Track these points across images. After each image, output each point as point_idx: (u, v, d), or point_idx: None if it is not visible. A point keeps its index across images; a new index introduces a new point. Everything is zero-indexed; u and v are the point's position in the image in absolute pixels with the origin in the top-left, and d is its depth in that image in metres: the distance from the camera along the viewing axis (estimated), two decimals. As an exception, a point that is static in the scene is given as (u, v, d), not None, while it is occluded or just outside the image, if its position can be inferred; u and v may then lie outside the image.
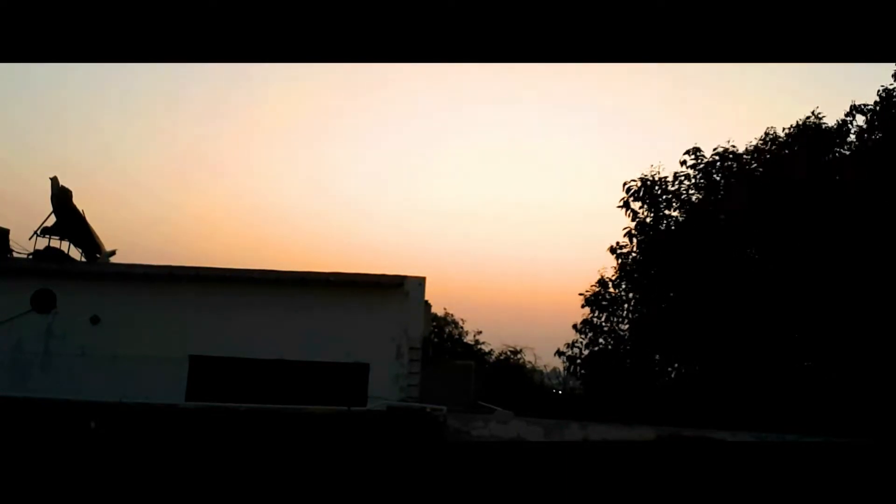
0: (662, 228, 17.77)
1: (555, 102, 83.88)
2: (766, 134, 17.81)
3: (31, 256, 14.23)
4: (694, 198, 17.80)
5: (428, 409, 8.83)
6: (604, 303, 18.34)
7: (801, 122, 17.49)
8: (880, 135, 16.09)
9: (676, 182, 17.90)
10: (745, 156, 17.61)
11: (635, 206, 18.06)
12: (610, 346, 18.08)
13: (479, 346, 30.27)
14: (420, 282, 12.95)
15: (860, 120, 16.70)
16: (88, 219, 15.08)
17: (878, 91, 16.31)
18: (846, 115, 16.88)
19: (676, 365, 17.58)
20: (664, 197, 17.93)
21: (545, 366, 31.87)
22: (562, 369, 22.33)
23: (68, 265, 13.66)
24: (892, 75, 16.09)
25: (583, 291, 18.58)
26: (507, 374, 29.27)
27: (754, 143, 17.89)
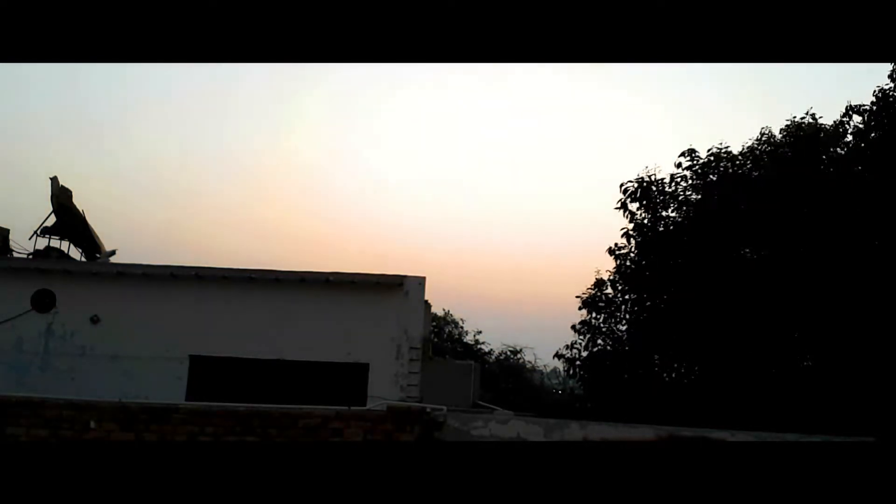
0: (660, 229, 17.78)
1: (556, 102, 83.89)
2: (762, 134, 17.83)
3: (31, 256, 14.24)
4: (692, 198, 17.81)
5: (428, 409, 8.82)
6: (600, 304, 18.35)
7: (796, 122, 17.50)
8: (877, 135, 16.09)
9: (673, 183, 17.91)
10: (739, 157, 17.61)
11: (632, 207, 18.09)
12: (608, 347, 18.09)
13: (479, 346, 30.26)
14: (420, 282, 12.95)
15: (857, 120, 16.72)
16: (88, 219, 15.11)
17: (875, 92, 16.31)
18: (842, 115, 16.89)
19: (676, 365, 17.58)
20: (661, 198, 17.94)
21: (545, 366, 31.86)
22: (561, 370, 22.34)
23: (68, 265, 13.66)
24: (888, 76, 16.09)
25: (579, 293, 18.62)
26: (507, 374, 29.27)
27: (750, 142, 17.91)
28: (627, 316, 18.31)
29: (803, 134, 17.00)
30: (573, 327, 18.30)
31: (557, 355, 18.60)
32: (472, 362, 19.73)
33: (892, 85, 16.01)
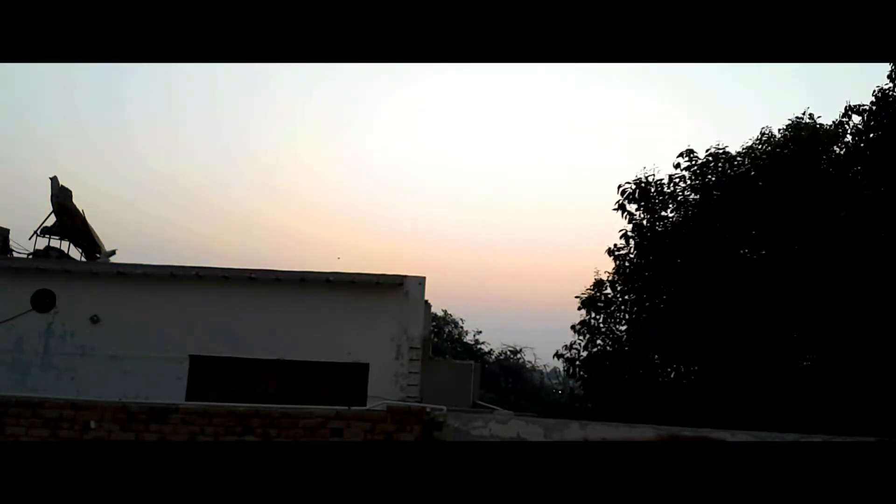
0: (659, 230, 17.78)
1: (556, 102, 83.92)
2: (762, 134, 17.82)
3: (31, 256, 14.24)
4: (690, 198, 17.80)
5: (428, 409, 8.81)
6: (600, 304, 18.36)
7: (795, 122, 17.49)
8: (876, 135, 16.07)
9: (671, 184, 17.91)
10: (738, 157, 17.60)
11: (630, 207, 18.09)
12: (608, 348, 18.09)
13: (479, 346, 30.31)
14: (420, 282, 12.95)
15: (856, 120, 16.69)
16: (88, 219, 15.11)
17: (874, 91, 16.29)
18: (842, 115, 16.86)
19: (675, 365, 17.59)
20: (660, 198, 17.94)
21: (545, 366, 31.94)
22: (561, 370, 22.37)
23: (68, 265, 13.67)
24: (888, 76, 16.07)
25: (579, 294, 18.63)
26: (507, 374, 29.32)
27: (750, 142, 17.89)
28: (627, 316, 18.32)
29: (802, 134, 16.99)
30: (573, 327, 18.31)
31: (557, 355, 18.62)
32: (472, 362, 19.75)
33: (891, 85, 15.99)
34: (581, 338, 18.24)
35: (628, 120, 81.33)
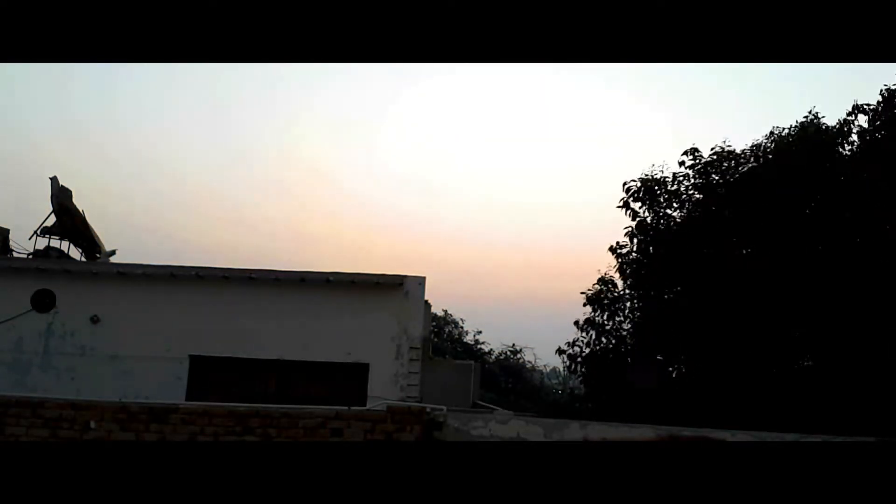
0: (662, 228, 17.77)
1: (556, 100, 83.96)
2: (772, 133, 17.80)
3: (31, 256, 14.24)
4: (694, 198, 17.80)
5: (428, 409, 8.81)
6: (605, 301, 18.34)
7: (802, 122, 17.47)
8: (883, 134, 16.05)
9: (676, 182, 17.91)
10: (741, 157, 17.59)
11: (635, 206, 18.08)
12: (611, 345, 18.08)
13: (479, 346, 30.27)
14: (420, 282, 12.95)
15: (862, 119, 16.67)
16: (88, 219, 15.11)
17: (881, 91, 16.25)
18: (848, 114, 16.84)
19: (676, 365, 17.58)
20: (664, 197, 17.93)
21: (545, 365, 31.91)
22: (562, 368, 22.35)
23: (68, 265, 13.66)
24: (896, 75, 16.05)
25: (584, 290, 18.61)
26: (507, 374, 29.29)
27: (757, 141, 17.88)
28: (630, 315, 18.31)
29: (807, 133, 16.97)
30: (576, 323, 18.28)
31: (559, 351, 18.57)
32: (472, 362, 19.72)
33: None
34: (585, 335, 18.23)
35: (629, 119, 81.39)
